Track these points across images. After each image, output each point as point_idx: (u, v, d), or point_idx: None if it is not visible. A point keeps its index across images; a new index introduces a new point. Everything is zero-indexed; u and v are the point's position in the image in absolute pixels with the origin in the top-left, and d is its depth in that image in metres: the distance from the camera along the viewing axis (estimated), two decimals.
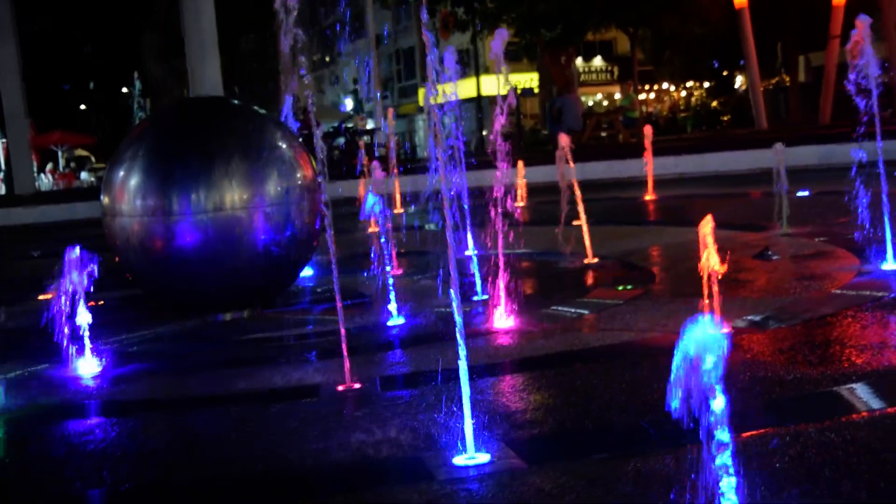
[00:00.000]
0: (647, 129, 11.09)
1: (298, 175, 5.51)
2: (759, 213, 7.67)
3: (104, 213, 5.46)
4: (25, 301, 6.74)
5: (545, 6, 23.93)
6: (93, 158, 49.71)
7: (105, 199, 5.45)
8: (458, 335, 2.58)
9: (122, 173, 5.33)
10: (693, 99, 44.03)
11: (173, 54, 22.26)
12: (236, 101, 6.23)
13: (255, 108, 6.03)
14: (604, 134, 20.73)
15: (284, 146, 5.54)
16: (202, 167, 5.18)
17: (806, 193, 9.19)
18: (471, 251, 7.29)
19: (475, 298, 5.44)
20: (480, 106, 42.54)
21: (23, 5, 17.95)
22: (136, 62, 25.84)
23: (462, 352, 2.58)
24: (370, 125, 48.20)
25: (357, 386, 3.51)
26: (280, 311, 5.61)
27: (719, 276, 3.81)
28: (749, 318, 4.21)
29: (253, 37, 47.63)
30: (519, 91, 41.03)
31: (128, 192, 5.26)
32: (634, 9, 23.29)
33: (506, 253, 4.89)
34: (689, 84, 44.85)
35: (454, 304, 2.60)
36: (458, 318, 2.58)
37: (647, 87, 43.66)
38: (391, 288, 5.02)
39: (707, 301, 3.99)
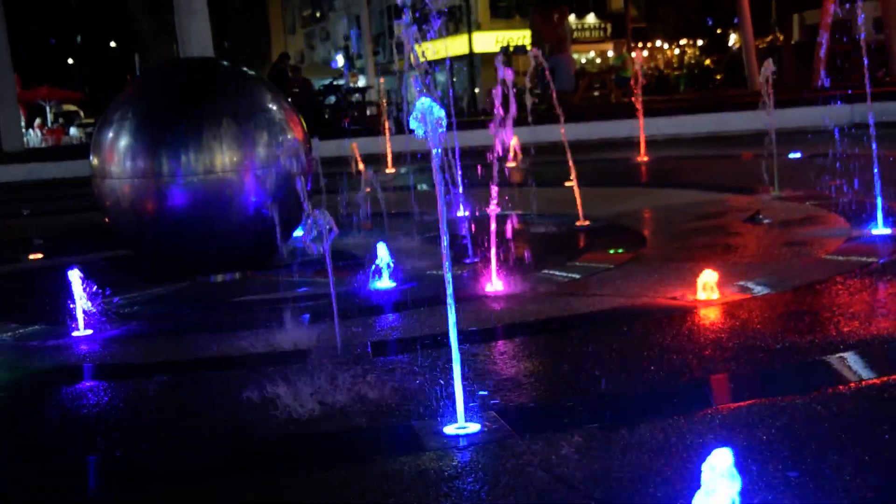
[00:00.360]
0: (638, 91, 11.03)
1: (289, 137, 5.47)
2: (751, 176, 7.66)
3: (93, 175, 5.43)
4: (16, 261, 6.74)
5: None
6: (81, 114, 49.33)
7: (94, 161, 5.41)
8: (448, 302, 2.57)
9: (111, 135, 5.28)
10: (686, 57, 43.78)
11: (161, 9, 21.99)
12: (225, 63, 6.16)
13: (245, 69, 5.97)
14: (596, 94, 20.61)
15: (274, 108, 5.50)
16: (192, 129, 5.14)
17: (798, 156, 9.18)
18: (462, 212, 7.29)
19: (466, 261, 5.46)
20: (473, 63, 42.23)
21: None
22: (124, 16, 25.54)
23: (452, 319, 2.58)
24: (362, 82, 47.84)
25: (346, 352, 3.52)
26: (271, 273, 5.61)
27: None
28: (739, 283, 4.22)
29: None
30: (511, 49, 40.77)
31: (117, 154, 5.22)
32: None
33: (497, 214, 4.88)
34: (683, 42, 44.58)
35: (445, 269, 2.60)
36: (448, 289, 2.58)
37: (640, 44, 43.35)
38: (381, 250, 5.01)
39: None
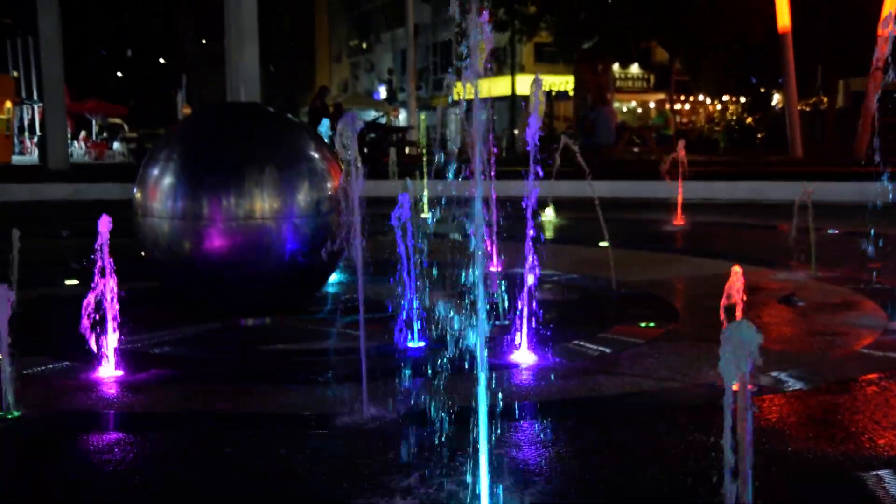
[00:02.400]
0: (681, 150, 11.01)
1: (328, 186, 5.52)
2: (787, 250, 7.60)
3: (135, 211, 5.50)
4: (52, 285, 6.81)
5: (585, 15, 23.82)
6: (125, 127, 50.14)
7: (137, 197, 5.49)
8: (480, 409, 2.56)
9: (155, 173, 5.36)
10: (728, 113, 43.71)
11: (211, 35, 22.37)
12: (271, 109, 6.24)
13: (290, 116, 6.06)
14: (636, 150, 20.63)
15: (316, 156, 5.56)
16: (234, 175, 5.20)
17: (836, 232, 9.11)
18: (495, 268, 7.29)
19: (496, 323, 5.45)
20: (514, 105, 42.45)
21: None
22: (175, 36, 26.03)
23: (482, 408, 2.57)
24: (403, 115, 48.19)
25: (370, 417, 3.52)
26: (302, 320, 5.63)
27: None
28: (772, 374, 4.17)
29: (289, 17, 47.70)
30: (553, 94, 40.95)
31: (160, 193, 5.29)
32: (674, 23, 23.13)
33: (529, 273, 4.87)
34: (725, 98, 44.53)
35: (477, 343, 2.59)
36: (481, 375, 2.57)
37: (682, 97, 43.36)
38: (414, 303, 5.02)
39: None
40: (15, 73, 38.96)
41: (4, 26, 34.86)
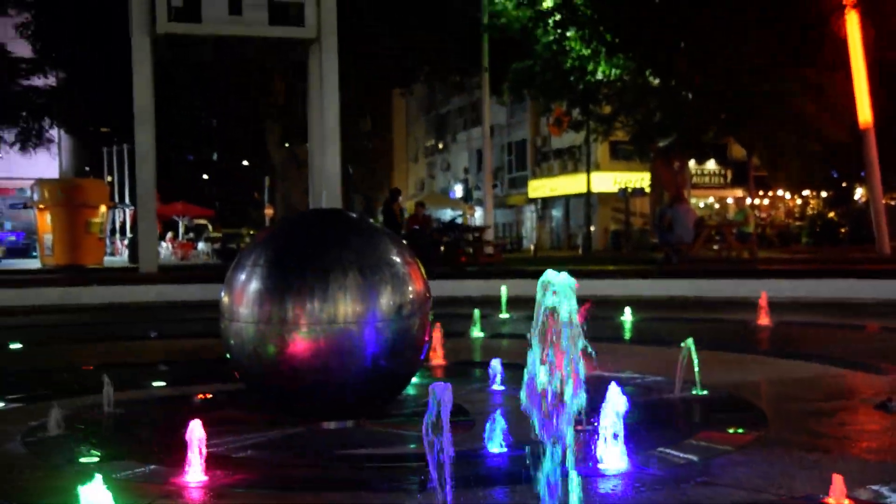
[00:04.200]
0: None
1: (410, 290, 5.59)
2: (879, 352, 7.36)
3: (222, 315, 5.64)
4: (139, 387, 6.98)
5: (662, 115, 23.99)
6: (210, 227, 51.77)
7: (224, 301, 5.63)
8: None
9: (242, 279, 5.51)
10: (809, 208, 43.04)
11: (296, 141, 23.19)
12: (354, 214, 6.41)
13: (372, 221, 6.20)
14: (716, 247, 20.40)
15: (398, 261, 5.64)
16: (318, 279, 5.31)
17: None
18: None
19: (578, 428, 5.36)
20: (590, 202, 42.53)
21: (158, 77, 18.95)
22: (260, 142, 27.00)
23: None
24: (479, 213, 48.62)
25: None
26: (383, 424, 5.64)
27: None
28: (871, 487, 4.00)
29: (369, 119, 49.09)
30: (629, 192, 40.99)
31: (246, 297, 5.43)
32: (751, 124, 23.12)
33: (610, 374, 4.80)
34: (806, 192, 43.92)
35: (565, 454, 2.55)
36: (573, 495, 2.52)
37: (761, 192, 42.92)
38: (495, 407, 4.98)
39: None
40: (109, 178, 40.78)
41: (102, 134, 36.68)
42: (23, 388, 6.80)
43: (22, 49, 25.91)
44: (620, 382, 4.78)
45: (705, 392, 6.34)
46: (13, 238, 35.14)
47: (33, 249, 33.32)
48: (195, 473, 4.35)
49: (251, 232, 49.58)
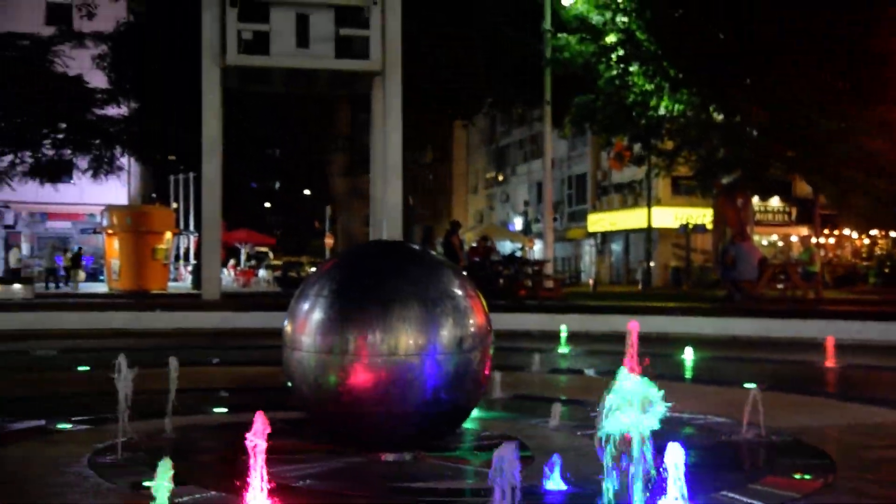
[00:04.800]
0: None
1: (472, 323, 5.60)
2: None
3: (284, 344, 5.71)
4: (201, 412, 7.07)
5: (726, 151, 23.73)
6: (270, 255, 52.49)
7: (287, 330, 5.70)
8: None
9: (305, 308, 5.58)
10: (877, 247, 42.05)
11: (358, 173, 23.47)
12: (416, 247, 6.46)
13: (434, 253, 6.24)
14: (780, 286, 20.01)
15: (460, 294, 5.66)
16: (381, 311, 5.35)
17: None
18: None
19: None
20: (650, 237, 42.12)
21: (226, 107, 19.35)
22: (322, 172, 27.41)
23: None
24: (538, 247, 48.50)
25: None
26: (442, 457, 5.63)
27: None
28: None
29: (430, 151, 49.40)
30: (690, 227, 40.50)
31: (309, 327, 5.49)
32: (817, 161, 22.72)
33: (673, 414, 4.71)
34: (874, 231, 42.95)
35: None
36: None
37: (826, 231, 42.08)
38: (555, 443, 4.94)
39: None
40: (175, 205, 41.68)
41: (168, 162, 37.58)
42: (90, 410, 6.94)
43: (98, 80, 26.76)
44: (683, 423, 4.71)
45: (770, 436, 6.20)
46: (83, 263, 36.05)
47: (101, 274, 34.16)
48: (255, 501, 4.38)
49: (311, 261, 50.14)
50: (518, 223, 61.06)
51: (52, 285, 31.09)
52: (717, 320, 12.87)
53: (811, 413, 7.27)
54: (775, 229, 48.08)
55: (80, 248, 35.88)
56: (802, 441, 6.19)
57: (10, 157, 27.96)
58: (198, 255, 39.28)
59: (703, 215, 40.40)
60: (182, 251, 45.50)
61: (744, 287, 18.96)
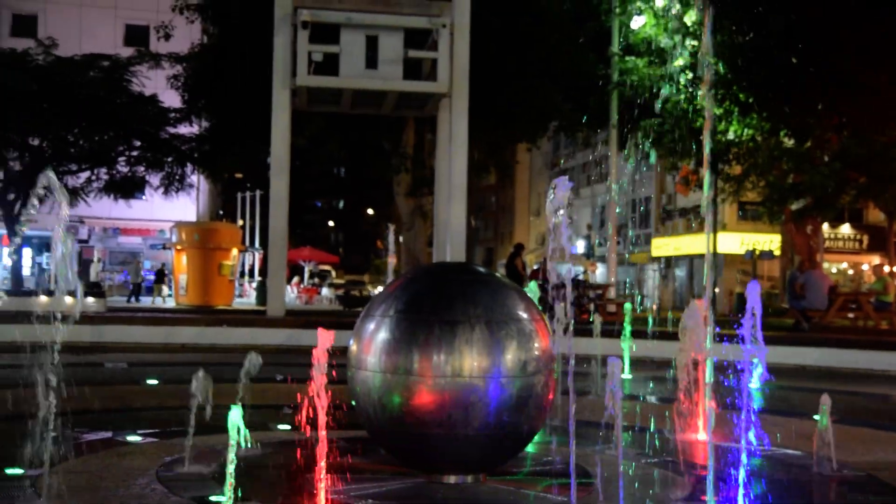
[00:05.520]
0: None
1: (536, 346, 5.56)
2: None
3: (349, 363, 5.75)
4: (265, 429, 7.16)
5: (795, 177, 23.30)
6: (333, 273, 53.01)
7: (352, 349, 5.74)
8: None
9: (371, 328, 5.61)
10: None
11: (422, 194, 23.61)
12: (482, 269, 6.45)
13: (499, 276, 6.23)
14: (851, 315, 19.51)
15: (525, 317, 5.64)
16: (445, 333, 5.35)
17: None
18: (701, 435, 6.98)
19: (703, 497, 5.18)
20: (715, 263, 41.49)
21: (294, 127, 19.63)
22: (387, 192, 27.66)
23: None
24: (601, 270, 48.09)
25: None
26: (504, 481, 5.60)
27: None
28: None
29: (493, 174, 49.45)
30: (757, 254, 39.78)
31: (374, 347, 5.52)
32: (892, 189, 22.17)
33: (738, 446, 4.63)
34: None
35: None
36: None
37: None
38: (616, 469, 4.88)
39: None
40: (241, 222, 42.42)
41: (235, 180, 38.28)
42: (158, 423, 7.08)
43: (171, 99, 27.47)
44: (751, 454, 4.62)
45: (842, 470, 6.04)
46: (151, 277, 36.90)
47: (169, 289, 34.89)
48: None
49: (374, 280, 50.48)
50: (580, 247, 60.70)
51: (133, 299, 31.94)
52: (784, 349, 12.57)
53: (885, 448, 7.06)
54: (846, 257, 46.94)
55: (163, 265, 36.86)
56: (876, 477, 6.01)
57: (86, 174, 28.81)
58: (262, 272, 39.89)
59: (769, 241, 39.64)
60: (247, 268, 46.22)
61: (812, 316, 18.53)
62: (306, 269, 50.29)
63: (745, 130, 23.67)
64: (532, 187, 73.36)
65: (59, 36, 28.45)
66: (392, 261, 26.30)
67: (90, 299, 20.82)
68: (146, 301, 32.51)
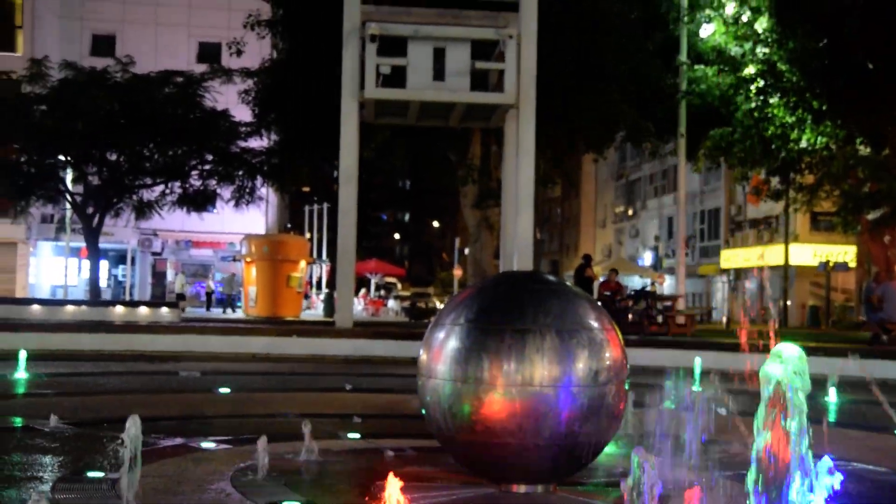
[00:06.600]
0: None
1: (607, 356, 5.51)
2: None
3: (419, 372, 5.77)
4: (334, 437, 7.21)
5: (872, 186, 22.69)
6: (399, 285, 53.30)
7: (422, 358, 5.76)
8: None
9: (441, 337, 5.62)
10: None
11: (488, 205, 23.62)
12: (552, 278, 6.42)
13: (569, 285, 6.19)
14: None
15: (596, 326, 5.59)
16: (516, 341, 5.34)
17: None
18: (774, 450, 6.81)
19: None
20: (787, 275, 40.56)
21: (362, 139, 19.80)
22: (452, 204, 27.71)
23: None
24: (669, 282, 47.41)
25: None
26: (574, 491, 5.56)
27: None
28: None
29: (560, 185, 49.23)
30: (831, 265, 38.78)
31: (444, 355, 5.52)
32: None
33: (818, 462, 4.50)
34: None
35: None
36: None
37: None
38: (682, 482, 4.80)
39: None
40: (308, 235, 42.98)
41: (303, 193, 38.80)
42: (231, 430, 7.19)
43: (242, 114, 28.02)
44: (830, 468, 4.49)
45: None
46: (221, 289, 37.61)
47: (238, 300, 35.52)
48: None
49: (439, 292, 50.60)
50: (647, 258, 59.97)
51: (218, 310, 32.71)
52: (861, 362, 12.22)
53: None
54: None
55: (233, 275, 37.80)
56: None
57: (160, 187, 29.52)
58: (329, 284, 40.31)
59: (843, 252, 38.63)
60: (315, 279, 46.73)
61: (891, 329, 18.01)
62: (372, 282, 50.67)
63: (819, 138, 23.14)
64: (598, 198, 72.79)
65: (135, 54, 29.31)
66: (458, 273, 26.30)
67: (164, 309, 21.29)
68: (216, 312, 33.13)
